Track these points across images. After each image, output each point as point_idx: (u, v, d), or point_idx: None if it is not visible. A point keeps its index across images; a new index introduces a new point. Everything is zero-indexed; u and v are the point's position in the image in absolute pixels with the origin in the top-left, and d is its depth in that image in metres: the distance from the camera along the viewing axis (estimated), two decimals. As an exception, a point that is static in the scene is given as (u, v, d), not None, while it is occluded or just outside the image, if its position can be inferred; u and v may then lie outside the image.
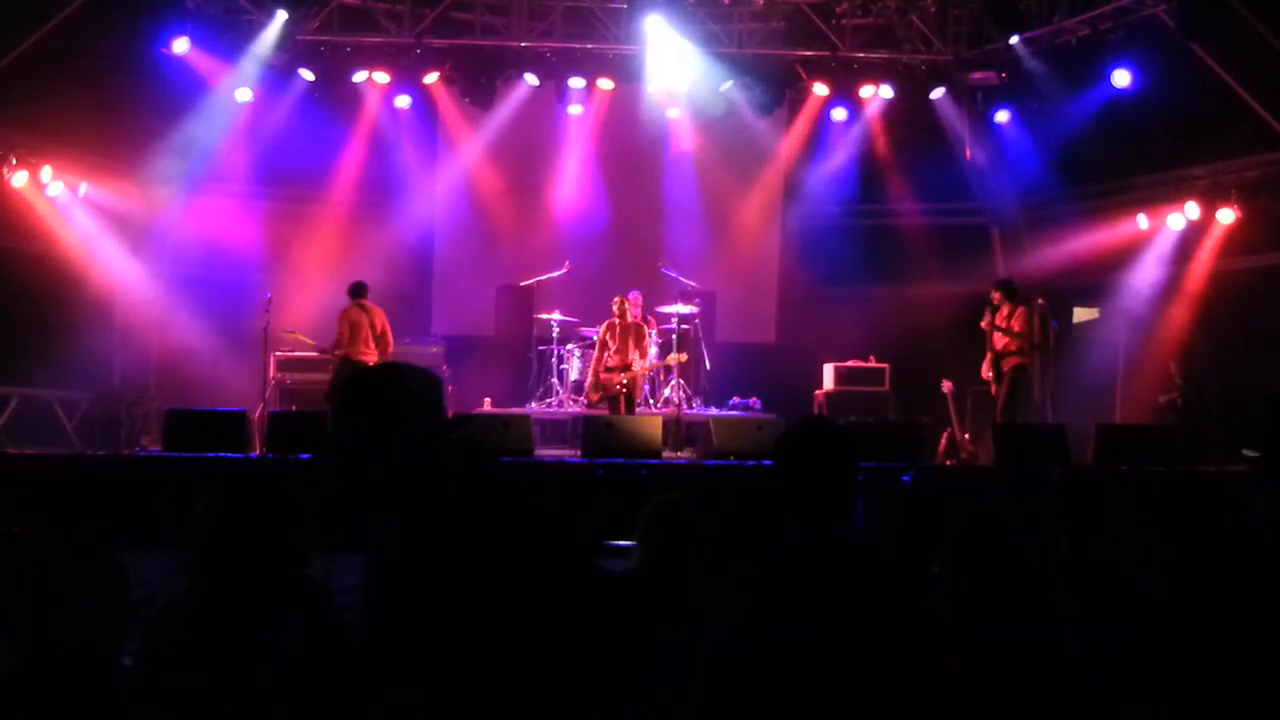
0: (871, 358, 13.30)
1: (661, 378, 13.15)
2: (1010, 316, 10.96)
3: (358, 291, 11.59)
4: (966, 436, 11.20)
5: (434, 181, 14.69)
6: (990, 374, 11.03)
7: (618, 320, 11.88)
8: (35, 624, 2.55)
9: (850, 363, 13.26)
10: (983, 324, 11.06)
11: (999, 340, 10.94)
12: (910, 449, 8.78)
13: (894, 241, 14.45)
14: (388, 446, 2.47)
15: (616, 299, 12.00)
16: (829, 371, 13.27)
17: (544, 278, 13.60)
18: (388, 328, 11.59)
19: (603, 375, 11.80)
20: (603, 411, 11.48)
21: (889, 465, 7.82)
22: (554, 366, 13.39)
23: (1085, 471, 3.90)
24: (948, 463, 10.72)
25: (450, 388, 12.83)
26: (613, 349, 11.79)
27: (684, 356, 12.31)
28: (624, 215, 14.74)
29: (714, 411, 12.82)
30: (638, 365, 11.80)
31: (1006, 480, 7.91)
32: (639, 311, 12.99)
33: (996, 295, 11.10)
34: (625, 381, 11.69)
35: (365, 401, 2.54)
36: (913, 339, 11.75)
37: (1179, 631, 2.57)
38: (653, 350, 12.88)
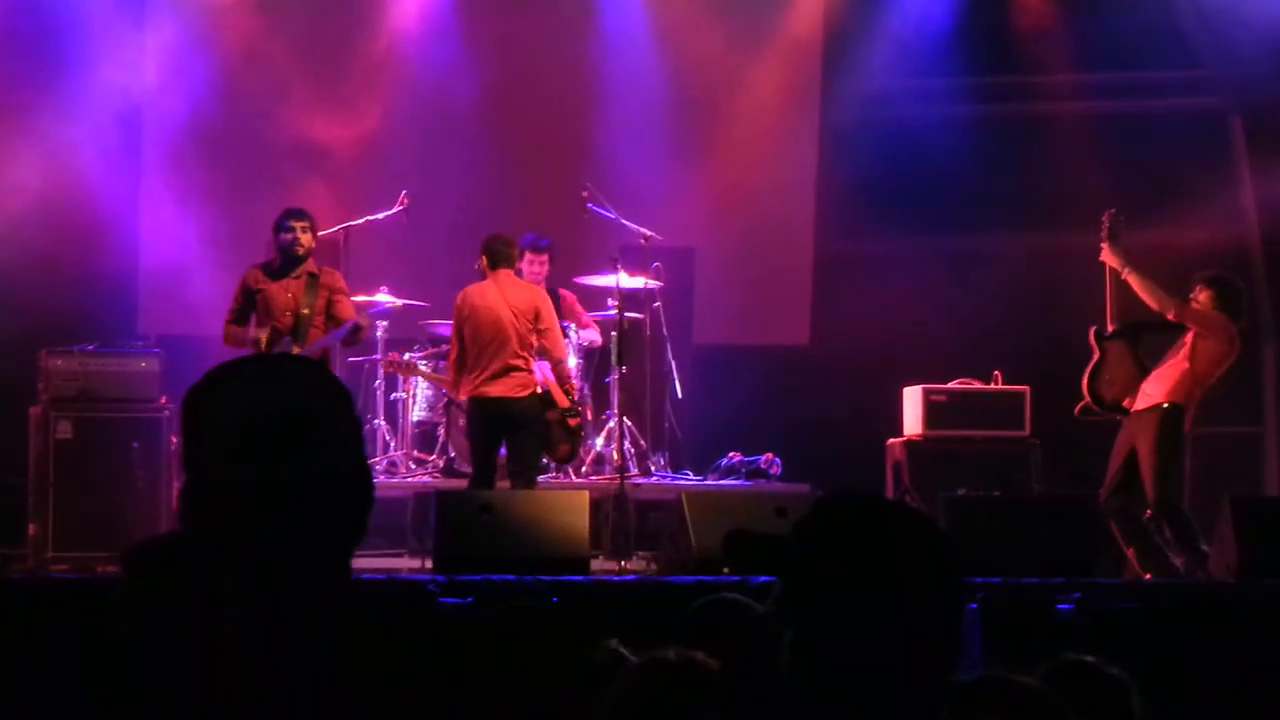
0: (996, 374, 13.25)
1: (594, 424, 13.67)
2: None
3: None
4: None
5: (140, 40, 14.49)
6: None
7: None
8: None
9: (955, 384, 13.28)
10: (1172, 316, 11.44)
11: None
12: (1075, 551, 9.47)
13: (1034, 148, 14.80)
14: None
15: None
16: (913, 400, 13.18)
17: (356, 223, 13.48)
18: None
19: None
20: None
21: (1033, 582, 8.57)
22: (379, 395, 13.58)
23: None
24: (1145, 576, 10.98)
25: (174, 439, 12.48)
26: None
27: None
28: (516, 104, 14.99)
29: (691, 480, 13.33)
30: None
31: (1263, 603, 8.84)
32: (541, 278, 12.97)
33: (1205, 293, 11.45)
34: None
35: None
36: (1076, 338, 11.68)
37: None
38: (572, 362, 13.09)
